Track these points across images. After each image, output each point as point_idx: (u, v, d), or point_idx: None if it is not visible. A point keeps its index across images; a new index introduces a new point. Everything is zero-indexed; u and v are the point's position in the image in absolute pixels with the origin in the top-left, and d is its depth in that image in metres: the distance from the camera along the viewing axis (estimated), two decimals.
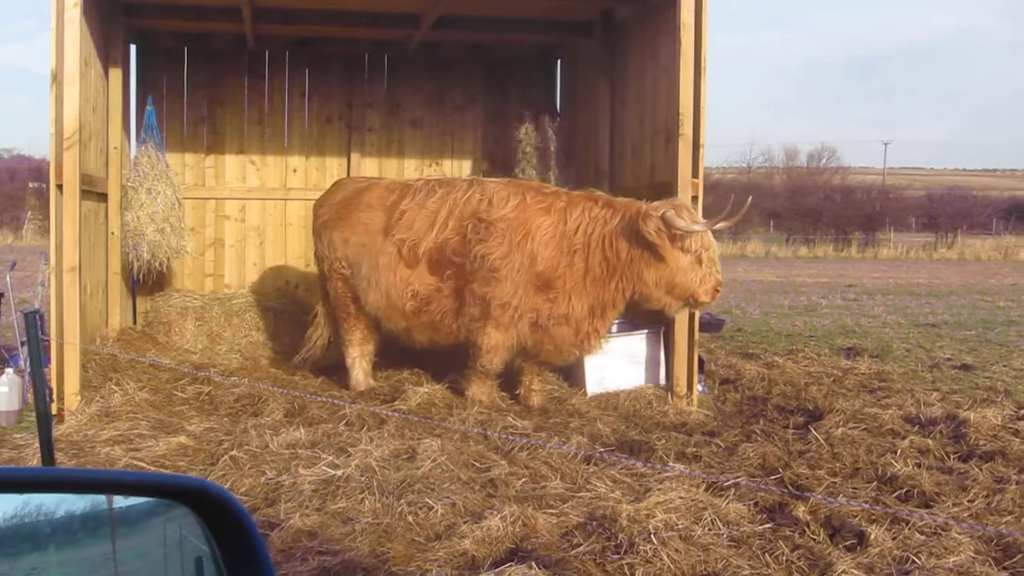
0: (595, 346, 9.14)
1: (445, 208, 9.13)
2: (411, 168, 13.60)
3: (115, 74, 11.24)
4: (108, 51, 10.99)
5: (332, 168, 13.37)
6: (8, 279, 10.52)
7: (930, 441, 7.67)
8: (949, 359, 12.48)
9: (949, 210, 54.85)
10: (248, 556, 1.82)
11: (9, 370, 8.82)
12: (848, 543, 5.48)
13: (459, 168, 13.75)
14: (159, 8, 11.82)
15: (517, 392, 9.32)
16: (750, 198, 9.52)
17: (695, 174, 9.15)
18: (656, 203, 8.56)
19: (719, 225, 8.80)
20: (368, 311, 9.59)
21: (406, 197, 9.40)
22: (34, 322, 5.48)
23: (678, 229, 8.26)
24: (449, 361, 9.87)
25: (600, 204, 8.84)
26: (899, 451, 7.31)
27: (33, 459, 6.77)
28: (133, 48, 12.57)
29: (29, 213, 47.52)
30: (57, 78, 8.68)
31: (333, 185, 10.60)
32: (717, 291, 8.60)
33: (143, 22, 12.18)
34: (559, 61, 13.92)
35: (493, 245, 8.78)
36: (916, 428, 8.22)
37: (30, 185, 53.62)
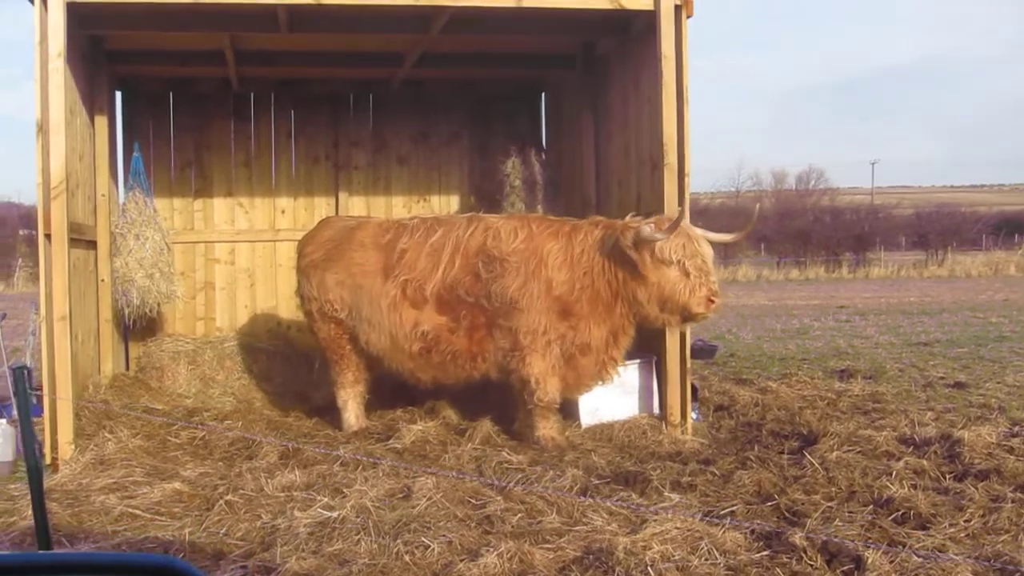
0: (612, 375, 9.10)
1: (449, 246, 9.08)
2: (399, 205, 13.64)
3: (101, 121, 11.29)
4: (93, 98, 11.03)
5: (320, 208, 13.40)
6: None
7: (925, 462, 7.67)
8: (942, 378, 12.50)
9: (938, 227, 55.12)
10: None
11: (2, 421, 8.80)
12: (846, 568, 5.47)
13: (447, 203, 13.79)
14: (143, 54, 11.88)
15: (514, 426, 9.29)
16: (758, 206, 9.54)
17: (680, 202, 9.17)
18: (638, 217, 8.60)
19: (720, 237, 8.85)
20: (369, 352, 9.54)
21: (403, 236, 9.35)
22: (22, 378, 5.47)
23: (643, 238, 8.26)
24: (443, 397, 9.88)
25: (600, 227, 8.86)
26: (894, 473, 7.31)
27: (28, 510, 6.74)
28: (119, 95, 12.62)
29: (20, 260, 47.45)
30: (43, 128, 8.69)
31: (319, 223, 10.59)
32: (712, 301, 8.45)
33: (127, 69, 12.23)
34: (543, 94, 13.98)
35: (509, 280, 8.75)
36: (911, 449, 8.21)
37: (20, 232, 53.55)
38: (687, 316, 8.58)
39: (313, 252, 9.92)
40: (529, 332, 8.72)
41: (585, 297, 8.69)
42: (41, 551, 5.20)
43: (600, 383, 9.14)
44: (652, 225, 8.33)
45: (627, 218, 8.65)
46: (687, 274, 8.36)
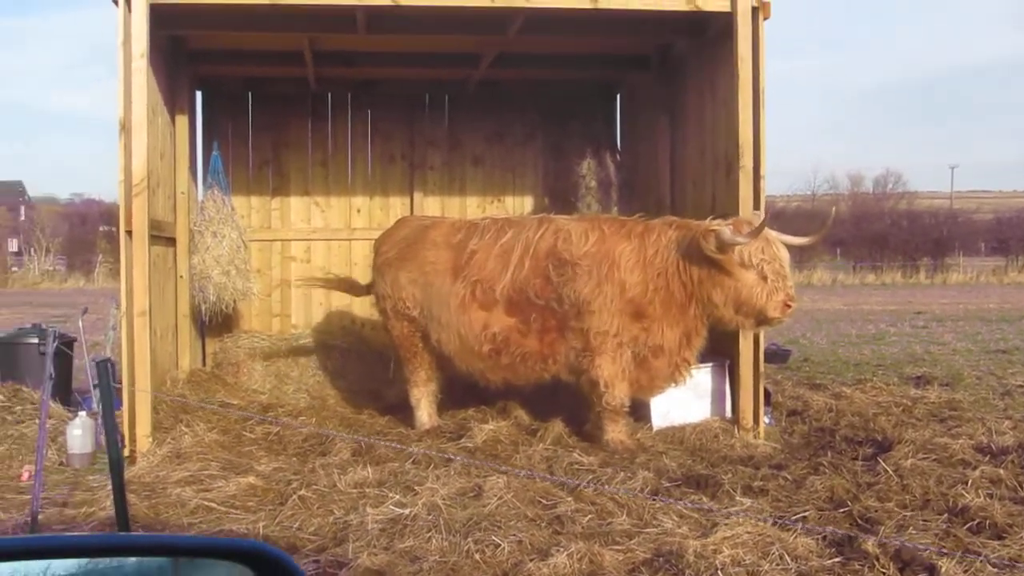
0: (684, 377, 9.07)
1: (519, 247, 9.09)
2: (473, 205, 13.69)
3: (181, 120, 11.49)
4: (175, 98, 11.22)
5: (395, 207, 13.49)
6: (81, 324, 10.72)
7: (1002, 471, 7.53)
8: (1021, 386, 12.30)
9: (1019, 232, 54.13)
10: None
11: (82, 413, 8.98)
12: None
13: (521, 204, 13.81)
14: (223, 55, 12.05)
15: (585, 427, 9.29)
16: (834, 210, 9.44)
17: (756, 205, 9.13)
18: (718, 220, 8.55)
19: (796, 240, 8.79)
20: (440, 351, 9.58)
21: (474, 236, 9.39)
22: (105, 371, 5.59)
23: (725, 241, 8.22)
24: (514, 397, 9.91)
25: (674, 227, 8.82)
26: (970, 482, 7.17)
27: (107, 501, 6.88)
28: (199, 94, 12.81)
29: (100, 256, 48.28)
30: (125, 127, 8.86)
31: (396, 222, 10.68)
32: (788, 306, 8.41)
33: (208, 69, 12.41)
34: (618, 95, 13.96)
35: (581, 284, 8.75)
36: (987, 457, 8.06)
37: (100, 229, 54.48)
38: (762, 320, 8.54)
39: (388, 250, 9.99)
40: (600, 334, 8.72)
41: (659, 299, 8.67)
42: (134, 534, 5.31)
43: (673, 385, 9.11)
44: (731, 227, 8.29)
45: (708, 221, 8.58)
46: (765, 278, 8.31)
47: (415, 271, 9.63)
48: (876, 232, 52.95)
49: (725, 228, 8.28)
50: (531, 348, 9.07)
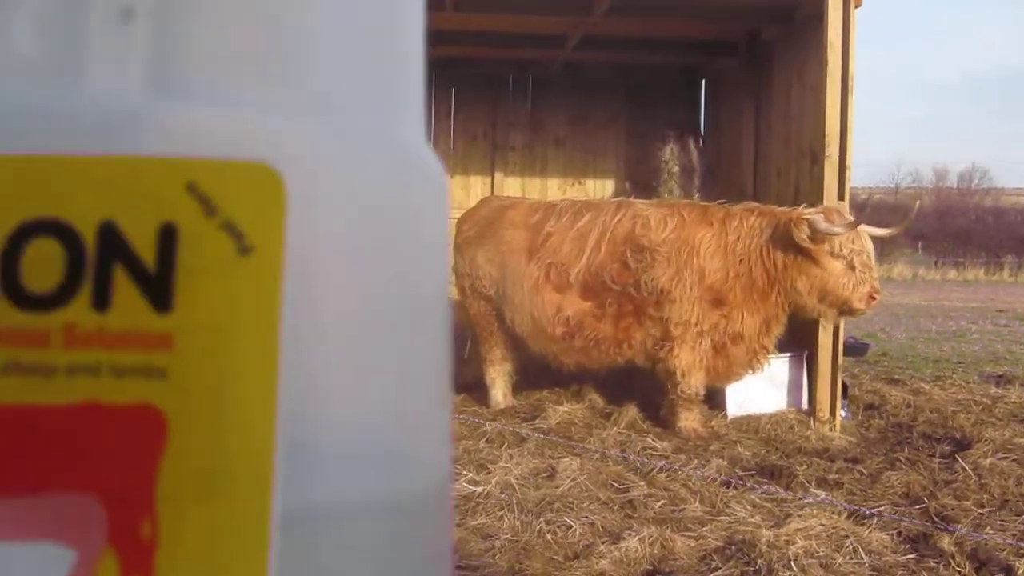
0: (762, 364, 9.01)
1: (595, 231, 9.08)
2: (554, 187, 13.70)
3: None
4: None
5: (476, 187, 13.54)
6: None
7: None
8: None
9: None
10: None
11: None
12: None
13: (601, 187, 13.80)
14: None
15: (660, 412, 9.27)
16: (918, 203, 9.34)
17: (841, 196, 9.04)
18: (808, 208, 8.47)
19: (879, 232, 8.70)
20: (514, 332, 9.61)
21: (551, 218, 9.39)
22: None
23: (820, 231, 8.15)
24: (588, 380, 9.92)
25: (756, 213, 8.77)
26: None
27: None
28: None
29: None
30: None
31: (479, 202, 10.73)
32: (873, 298, 8.36)
33: None
34: (703, 81, 13.88)
35: (659, 270, 8.72)
36: None
37: None
38: (846, 310, 8.47)
39: (468, 229, 10.03)
40: (680, 323, 8.69)
41: (739, 285, 8.61)
42: None
43: (750, 372, 9.05)
44: (822, 216, 8.22)
45: (801, 208, 8.50)
46: (853, 268, 8.24)
47: (492, 250, 9.66)
48: (959, 227, 52.05)
49: (819, 217, 8.21)
50: (605, 333, 9.05)
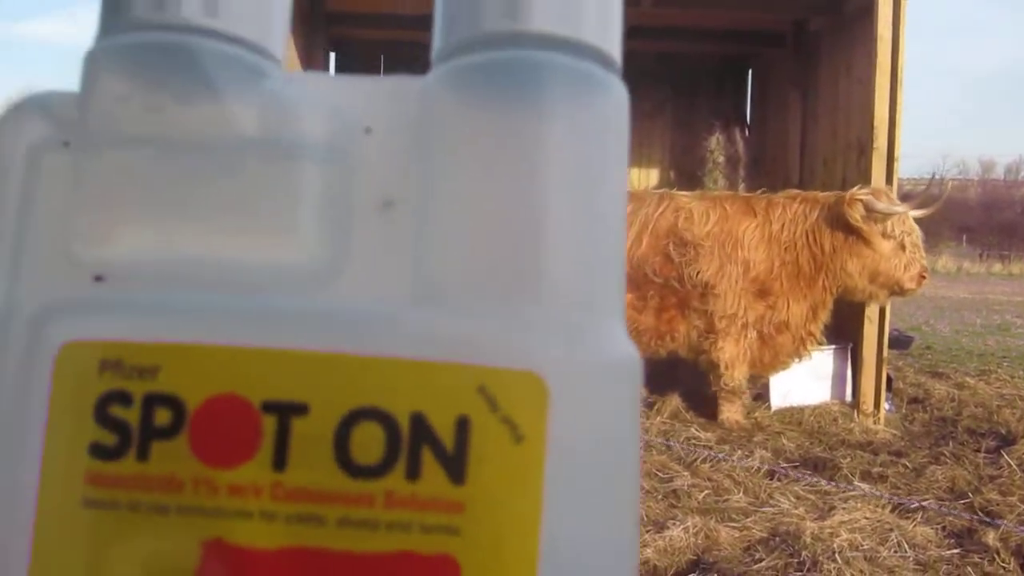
0: (809, 352, 9.00)
1: (637, 223, 9.08)
2: None
3: None
4: (310, 59, 11.42)
5: None
6: None
7: None
8: None
9: None
10: None
11: None
12: None
13: (646, 176, 13.80)
14: (359, 17, 12.23)
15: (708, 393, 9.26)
16: (950, 183, 9.29)
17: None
18: (858, 188, 8.46)
19: (918, 212, 8.67)
20: None
21: None
22: None
23: (878, 211, 8.14)
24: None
25: (798, 200, 8.75)
26: None
27: None
28: (332, 56, 13.03)
29: None
30: None
31: None
32: (923, 278, 8.37)
33: (342, 31, 12.60)
34: (750, 71, 13.85)
35: (704, 264, 8.73)
36: None
37: None
38: (897, 291, 8.46)
39: None
40: (725, 316, 8.69)
41: (785, 273, 8.61)
42: None
43: (796, 360, 9.03)
44: (877, 197, 8.22)
45: (854, 190, 8.47)
46: (903, 248, 8.25)
47: None
48: (1005, 220, 51.67)
49: (878, 201, 8.21)
50: (647, 325, 9.06)
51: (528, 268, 0.46)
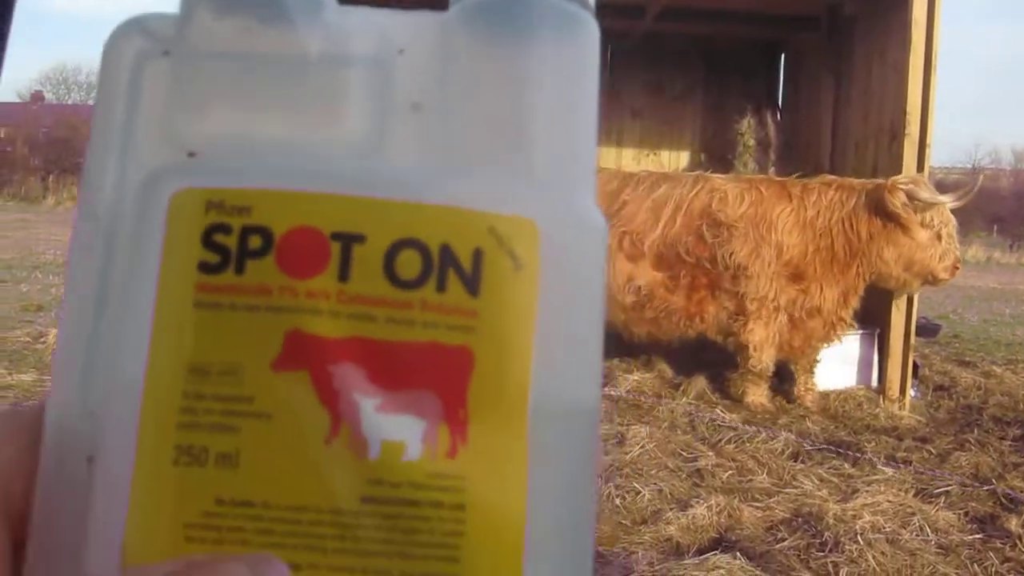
0: (840, 337, 9.03)
1: (671, 203, 9.10)
2: (628, 157, 13.72)
3: None
4: None
5: None
6: None
7: None
8: None
9: None
10: None
11: None
12: None
13: (676, 159, 13.80)
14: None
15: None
16: (981, 176, 9.27)
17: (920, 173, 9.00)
18: (898, 177, 8.47)
19: (958, 203, 8.68)
20: None
21: (628, 187, 9.40)
22: None
23: (921, 200, 8.16)
24: (659, 351, 9.97)
25: (834, 187, 8.75)
26: None
27: None
28: None
29: None
30: None
31: None
32: (956, 268, 8.48)
33: None
34: (782, 55, 13.81)
35: (737, 245, 8.74)
36: None
37: None
38: (930, 280, 8.53)
39: None
40: (756, 299, 8.70)
41: (819, 259, 8.61)
42: None
43: (827, 345, 9.04)
44: (918, 187, 8.25)
45: (897, 178, 8.49)
46: (939, 238, 8.29)
47: None
48: None
49: (922, 191, 8.24)
50: (677, 305, 9.08)
51: (524, 147, 0.60)
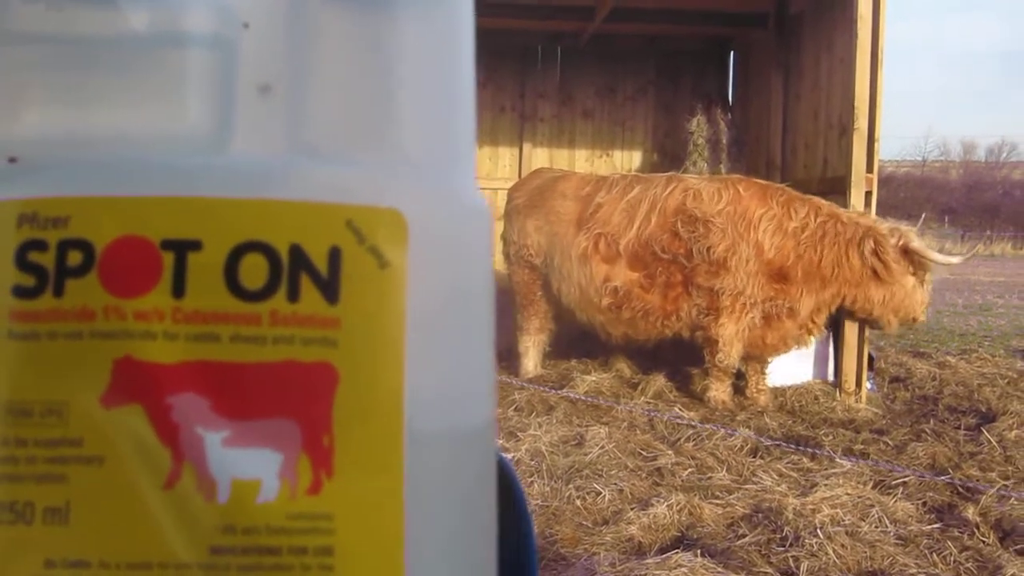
0: (810, 341, 9.21)
1: (645, 203, 9.12)
2: (582, 159, 13.73)
3: None
4: None
5: (504, 158, 13.58)
6: None
7: None
8: None
9: None
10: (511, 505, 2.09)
11: None
12: (1020, 547, 5.40)
13: (629, 159, 13.82)
14: None
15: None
16: (979, 246, 9.36)
17: (869, 169, 9.07)
18: (890, 226, 8.69)
19: (956, 261, 9.02)
20: (561, 302, 9.64)
21: (602, 190, 9.43)
22: None
23: (933, 261, 8.44)
24: (617, 352, 9.98)
25: (825, 211, 8.76)
26: None
27: None
28: None
29: None
30: None
31: (531, 173, 10.91)
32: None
33: None
34: (732, 53, 13.87)
35: (715, 239, 8.77)
36: None
37: None
38: (909, 322, 9.00)
39: (519, 198, 10.11)
40: (732, 294, 8.73)
41: (802, 266, 8.66)
42: None
43: (797, 347, 9.13)
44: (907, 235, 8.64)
45: (894, 224, 8.72)
46: (922, 284, 8.67)
47: (541, 220, 9.72)
48: (987, 201, 51.72)
49: (932, 251, 8.64)
50: (654, 304, 9.09)
51: (390, 129, 0.55)
